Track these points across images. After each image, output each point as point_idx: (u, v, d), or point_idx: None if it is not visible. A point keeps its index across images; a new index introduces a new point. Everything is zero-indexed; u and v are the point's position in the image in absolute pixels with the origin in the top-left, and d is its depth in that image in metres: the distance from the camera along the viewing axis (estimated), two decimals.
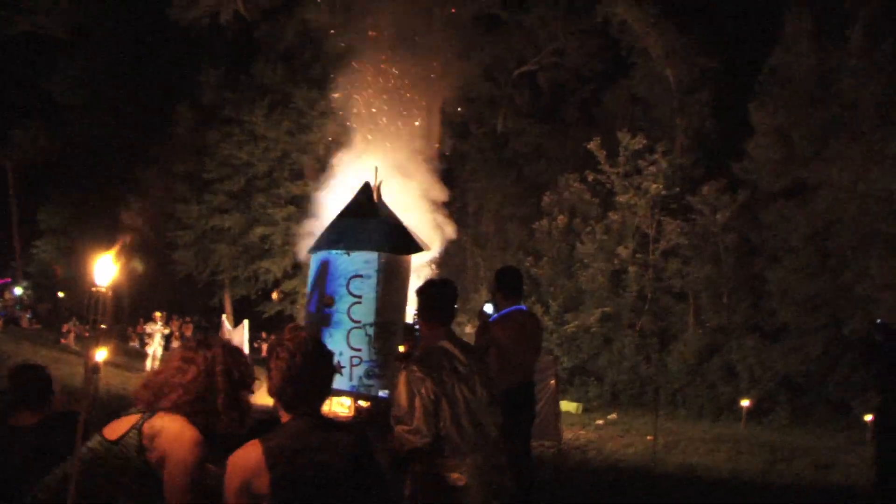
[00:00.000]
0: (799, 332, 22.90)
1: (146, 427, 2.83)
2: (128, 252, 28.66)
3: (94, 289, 2.70)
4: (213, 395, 2.90)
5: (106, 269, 2.73)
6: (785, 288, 23.61)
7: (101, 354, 2.92)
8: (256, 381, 3.11)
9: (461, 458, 3.79)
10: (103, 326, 2.77)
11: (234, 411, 2.93)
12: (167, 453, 2.79)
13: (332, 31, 25.12)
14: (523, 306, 6.62)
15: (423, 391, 3.75)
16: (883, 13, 22.50)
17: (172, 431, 2.82)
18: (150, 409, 2.88)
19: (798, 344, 22.55)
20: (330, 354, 2.92)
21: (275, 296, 28.98)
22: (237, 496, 2.67)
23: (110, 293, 2.64)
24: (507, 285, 6.55)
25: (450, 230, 21.49)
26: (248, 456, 2.70)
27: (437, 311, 4.05)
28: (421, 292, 4.14)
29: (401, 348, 13.62)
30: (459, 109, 31.39)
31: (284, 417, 2.83)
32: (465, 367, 3.92)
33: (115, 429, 2.87)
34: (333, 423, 2.95)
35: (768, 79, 25.20)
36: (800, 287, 23.08)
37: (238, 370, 2.97)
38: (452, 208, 23.72)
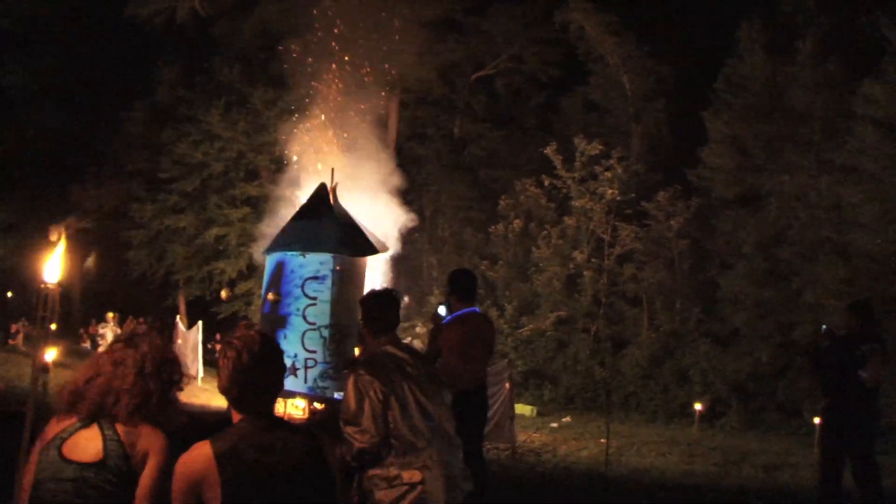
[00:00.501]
0: (750, 337, 23.25)
1: (124, 436, 2.80)
2: (77, 247, 28.16)
3: (42, 285, 2.64)
4: (148, 395, 2.87)
5: (55, 265, 2.67)
6: (736, 294, 23.98)
7: (50, 354, 2.85)
8: (192, 380, 3.09)
9: (415, 454, 3.81)
10: (53, 326, 2.70)
11: (166, 411, 2.91)
12: (148, 457, 2.79)
13: (289, 32, 24.88)
14: (477, 308, 6.66)
15: (371, 393, 3.77)
16: (831, 29, 23.08)
17: (149, 436, 2.83)
18: (98, 418, 2.82)
19: (749, 349, 22.90)
20: (279, 352, 2.90)
21: (224, 294, 28.66)
22: (185, 498, 2.64)
23: (59, 289, 2.59)
24: (461, 287, 6.59)
25: (409, 219, 21.40)
26: (197, 457, 2.67)
27: (380, 321, 4.11)
28: (363, 303, 4.19)
29: (356, 350, 13.62)
30: (415, 113, 31.43)
31: (235, 417, 2.81)
32: (413, 367, 3.95)
33: (83, 448, 2.79)
34: (284, 424, 2.93)
35: (723, 88, 25.63)
36: (751, 293, 23.46)
37: (167, 369, 2.95)
38: (409, 210, 23.66)
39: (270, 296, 14.08)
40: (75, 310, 32.29)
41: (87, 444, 2.78)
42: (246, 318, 28.07)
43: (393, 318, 4.15)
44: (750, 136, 24.52)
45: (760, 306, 23.22)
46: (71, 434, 2.82)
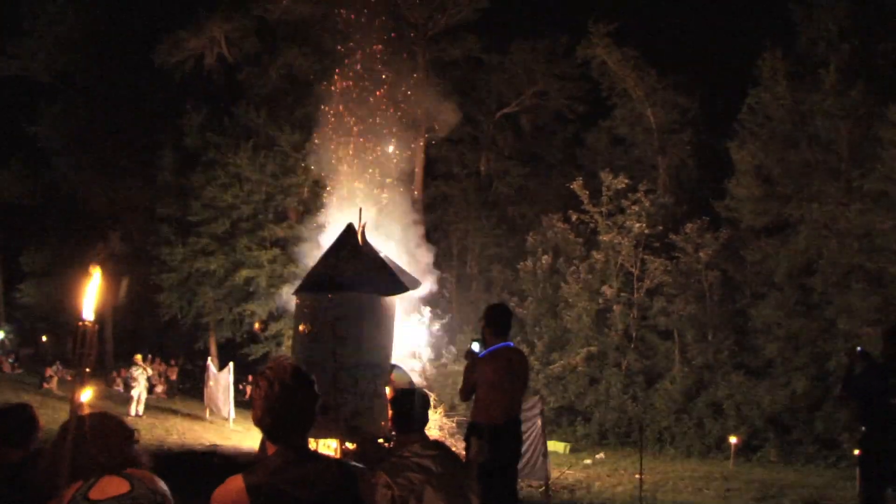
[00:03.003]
0: (784, 368, 22.98)
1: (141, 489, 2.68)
2: (109, 287, 28.41)
3: (80, 322, 2.65)
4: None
5: (91, 301, 2.68)
6: (769, 324, 23.75)
7: (86, 395, 2.79)
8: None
9: None
10: (87, 370, 2.66)
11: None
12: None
13: (313, 77, 25.22)
14: (511, 343, 6.67)
15: (389, 497, 3.79)
16: (853, 56, 23.07)
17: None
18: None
19: (784, 380, 22.62)
20: (311, 383, 2.91)
21: (257, 325, 28.85)
22: None
23: (96, 327, 2.61)
24: (496, 322, 6.61)
25: (432, 271, 21.51)
26: (230, 491, 2.67)
27: (408, 421, 4.11)
28: (392, 403, 4.20)
29: (387, 390, 13.62)
30: (442, 151, 31.67)
31: (270, 449, 2.82)
32: (437, 465, 3.95)
33: (114, 486, 2.65)
34: (317, 456, 2.94)
35: (747, 118, 25.60)
36: (783, 323, 23.23)
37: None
38: (436, 249, 23.76)
39: (301, 327, 14.14)
40: (108, 352, 32.54)
41: (115, 484, 2.66)
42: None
43: (419, 418, 4.16)
44: (776, 166, 24.43)
45: (794, 337, 22.97)
46: (95, 481, 2.66)
